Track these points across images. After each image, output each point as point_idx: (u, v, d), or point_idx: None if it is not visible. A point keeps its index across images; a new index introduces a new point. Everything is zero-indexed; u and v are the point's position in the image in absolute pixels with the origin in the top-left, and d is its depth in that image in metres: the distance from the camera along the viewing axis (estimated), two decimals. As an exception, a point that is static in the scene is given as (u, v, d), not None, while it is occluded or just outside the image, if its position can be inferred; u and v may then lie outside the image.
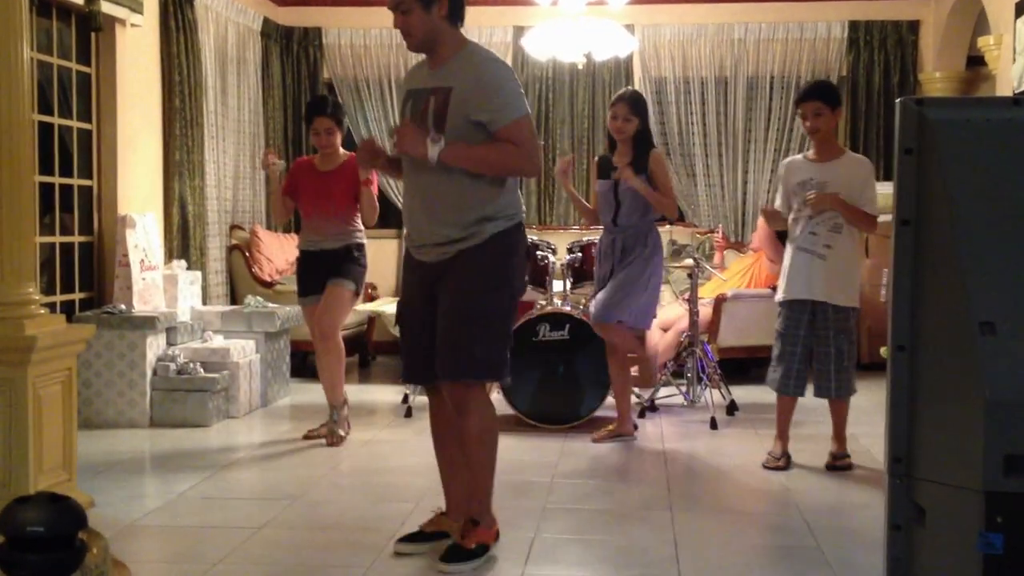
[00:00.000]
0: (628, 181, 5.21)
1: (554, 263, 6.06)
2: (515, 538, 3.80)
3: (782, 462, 4.95)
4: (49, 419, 4.01)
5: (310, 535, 3.89)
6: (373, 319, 7.84)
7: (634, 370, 6.16)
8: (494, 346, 3.52)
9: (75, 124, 6.17)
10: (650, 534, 3.92)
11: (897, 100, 2.39)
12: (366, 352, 8.07)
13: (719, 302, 7.02)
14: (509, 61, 8.33)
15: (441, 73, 3.51)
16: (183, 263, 6.66)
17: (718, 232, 7.75)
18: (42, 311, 4.03)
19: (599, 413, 5.72)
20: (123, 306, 5.92)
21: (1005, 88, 6.61)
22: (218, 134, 7.45)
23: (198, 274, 6.75)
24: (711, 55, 8.50)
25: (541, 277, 6.01)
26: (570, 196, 5.76)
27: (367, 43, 8.68)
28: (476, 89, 3.43)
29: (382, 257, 7.77)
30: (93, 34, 6.13)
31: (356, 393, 6.40)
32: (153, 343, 5.86)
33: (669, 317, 6.93)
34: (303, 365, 7.39)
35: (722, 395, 6.22)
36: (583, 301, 5.97)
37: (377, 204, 5.36)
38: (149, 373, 5.81)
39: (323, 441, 5.37)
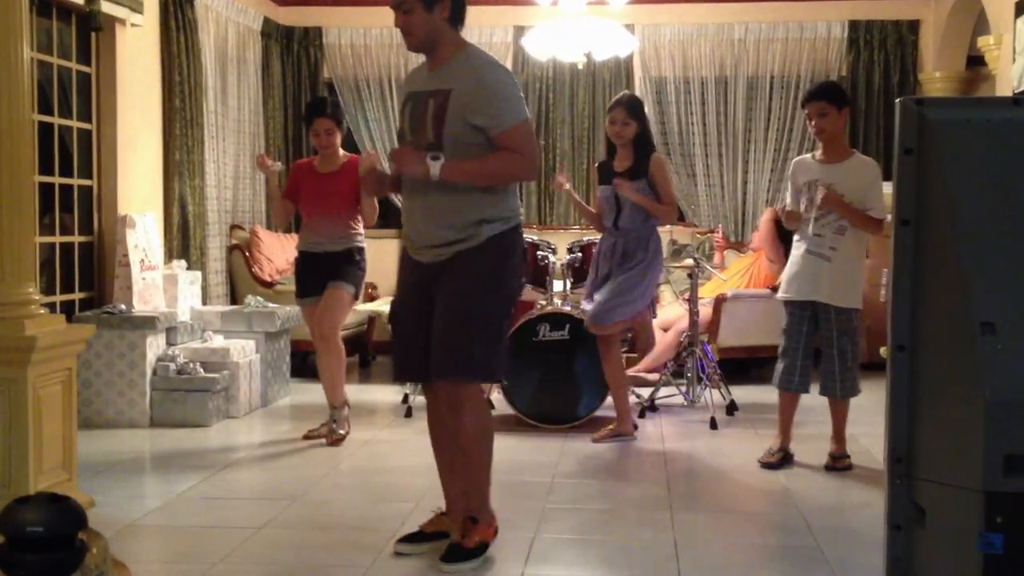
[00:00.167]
0: (624, 193, 5.22)
1: (554, 263, 6.06)
2: (515, 538, 3.80)
3: (775, 458, 4.96)
4: (49, 419, 4.01)
5: (310, 535, 3.89)
6: (373, 319, 7.84)
7: (633, 370, 6.17)
8: (491, 348, 3.53)
9: (75, 124, 6.17)
10: (650, 534, 3.92)
11: (897, 100, 2.38)
12: (366, 352, 8.07)
13: (719, 302, 7.02)
14: (509, 61, 8.35)
15: (440, 75, 3.51)
16: (183, 263, 6.66)
17: (718, 232, 7.75)
18: (42, 311, 4.03)
19: (599, 413, 5.72)
20: (123, 306, 5.92)
21: (1005, 88, 6.61)
22: (218, 134, 7.45)
23: (198, 274, 6.75)
24: (711, 55, 8.50)
25: (541, 277, 6.01)
26: (576, 206, 5.74)
27: (367, 43, 8.68)
28: (475, 92, 3.43)
29: (382, 257, 7.77)
30: (93, 34, 6.13)
31: (356, 393, 6.40)
32: (153, 343, 5.86)
33: (669, 317, 6.93)
34: (303, 365, 7.39)
35: (722, 395, 6.22)
36: (582, 301, 5.96)
37: (377, 205, 5.36)
38: (149, 373, 5.81)
39: (323, 441, 5.38)
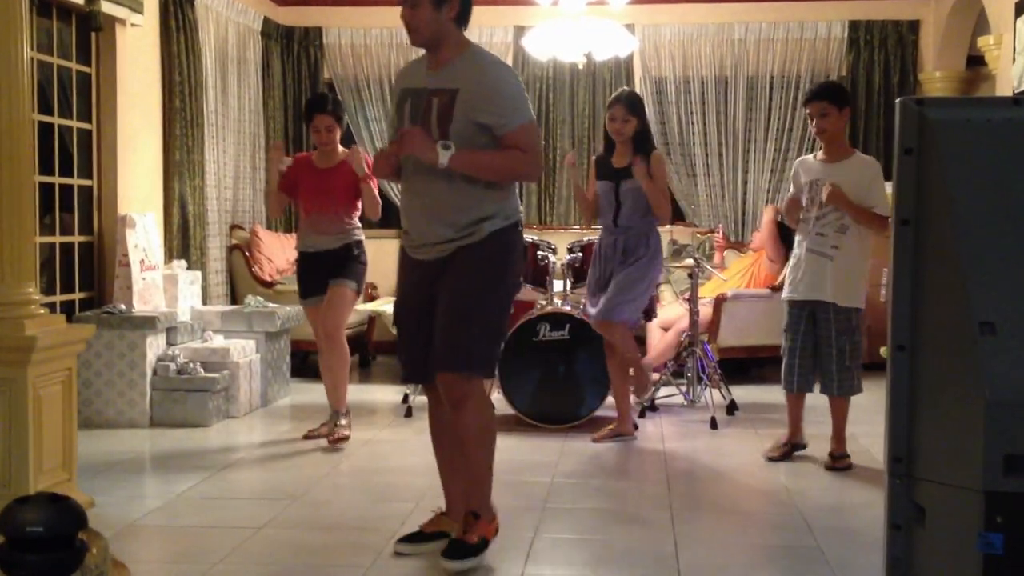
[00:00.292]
0: (638, 175, 5.19)
1: (554, 263, 6.06)
2: (515, 538, 3.80)
3: (779, 451, 5.02)
4: (49, 419, 4.01)
5: (310, 535, 3.89)
6: (373, 319, 7.84)
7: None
8: (492, 343, 3.55)
9: (75, 124, 6.17)
10: (650, 534, 3.92)
11: (897, 100, 2.38)
12: (366, 352, 8.07)
13: (719, 302, 7.02)
14: (509, 61, 8.33)
15: (444, 74, 3.50)
16: (183, 263, 6.66)
17: (718, 232, 7.75)
18: (42, 311, 4.03)
19: (599, 413, 5.72)
20: (123, 306, 5.92)
21: (1005, 88, 6.61)
22: (218, 134, 7.45)
23: (198, 274, 6.75)
24: (711, 55, 8.51)
25: (541, 277, 6.01)
26: (574, 188, 5.73)
27: (367, 43, 8.67)
28: (483, 92, 3.43)
29: (382, 256, 7.76)
30: (93, 34, 6.13)
31: (356, 393, 6.39)
32: (153, 343, 5.86)
33: (669, 317, 6.93)
34: (303, 365, 7.39)
35: (722, 395, 6.22)
36: (582, 301, 5.96)
37: (379, 198, 5.34)
38: (149, 373, 5.81)
39: (323, 441, 5.37)
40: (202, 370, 5.92)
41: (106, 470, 4.83)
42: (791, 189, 5.06)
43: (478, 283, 3.49)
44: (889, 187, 2.70)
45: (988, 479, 2.11)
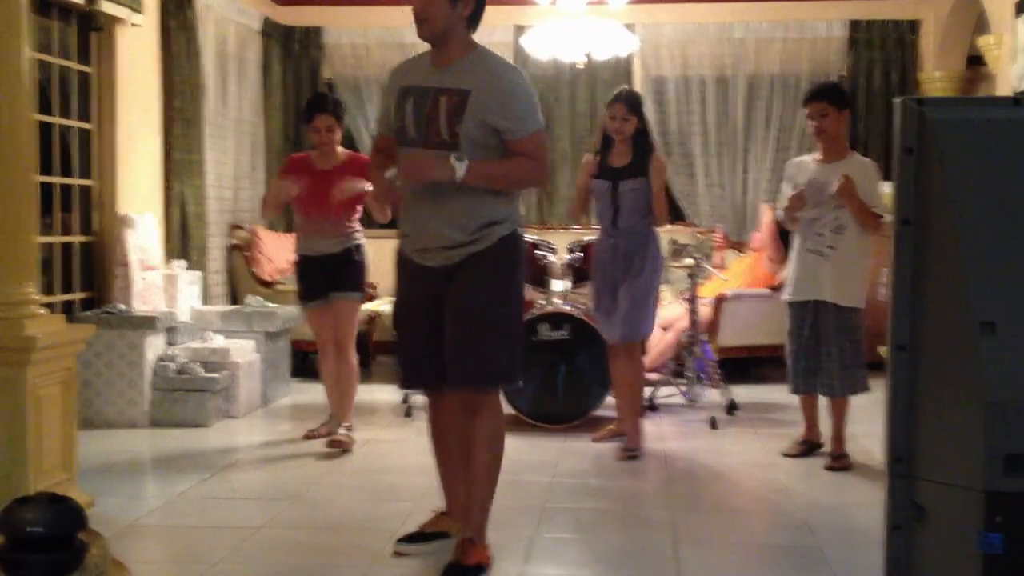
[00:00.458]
0: (656, 169, 5.19)
1: (554, 263, 6.06)
2: (515, 538, 3.80)
3: (796, 450, 5.07)
4: (49, 419, 4.01)
5: (310, 535, 3.89)
6: (373, 319, 7.83)
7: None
8: (514, 353, 3.48)
9: (75, 124, 6.17)
10: (650, 534, 3.92)
11: (897, 100, 2.38)
12: (366, 352, 8.05)
13: (719, 302, 7.02)
14: (509, 61, 8.32)
15: (451, 73, 3.43)
16: (183, 263, 6.66)
17: (718, 232, 7.74)
18: (42, 311, 4.03)
19: (599, 413, 5.72)
20: (123, 306, 5.91)
21: (1005, 88, 6.61)
22: (218, 134, 7.45)
23: (198, 274, 6.75)
24: (711, 55, 8.50)
25: (541, 277, 6.01)
26: (579, 189, 5.56)
27: (367, 43, 8.67)
28: (497, 96, 3.36)
29: (382, 256, 7.74)
30: (93, 34, 6.13)
31: (356, 393, 6.38)
32: (153, 343, 5.86)
33: (669, 317, 6.93)
34: (303, 365, 7.39)
35: (722, 395, 6.22)
36: (582, 301, 5.96)
37: None
38: (149, 373, 5.81)
39: (323, 441, 5.35)
40: (202, 370, 5.92)
41: (106, 470, 4.83)
42: (785, 191, 5.01)
43: (494, 294, 3.41)
44: (889, 187, 2.70)
45: (988, 479, 2.11)
